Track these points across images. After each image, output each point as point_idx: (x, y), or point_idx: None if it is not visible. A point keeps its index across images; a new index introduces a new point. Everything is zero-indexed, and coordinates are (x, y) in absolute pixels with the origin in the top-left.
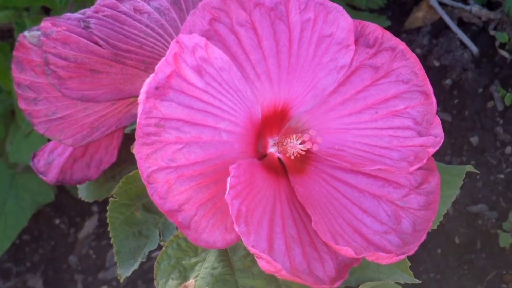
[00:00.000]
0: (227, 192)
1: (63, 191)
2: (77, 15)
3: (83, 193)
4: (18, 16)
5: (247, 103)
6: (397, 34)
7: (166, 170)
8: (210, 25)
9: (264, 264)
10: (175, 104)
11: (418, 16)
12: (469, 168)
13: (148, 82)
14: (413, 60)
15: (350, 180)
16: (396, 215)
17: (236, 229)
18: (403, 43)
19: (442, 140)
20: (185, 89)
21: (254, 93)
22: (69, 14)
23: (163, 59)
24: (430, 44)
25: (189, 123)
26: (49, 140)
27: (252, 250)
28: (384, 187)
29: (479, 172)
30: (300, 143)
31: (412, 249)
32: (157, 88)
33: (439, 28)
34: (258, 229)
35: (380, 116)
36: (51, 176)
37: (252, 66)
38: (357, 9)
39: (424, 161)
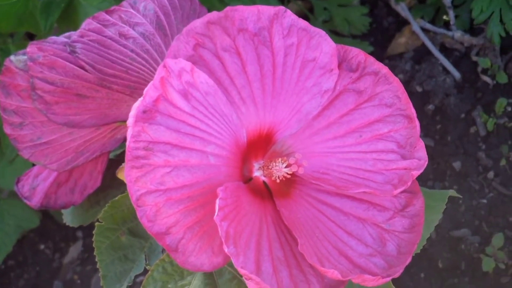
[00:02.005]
0: (216, 213)
1: (48, 217)
2: (62, 38)
3: (68, 218)
4: (3, 42)
5: (232, 127)
6: (379, 59)
7: (155, 193)
8: (194, 50)
9: (253, 285)
10: (163, 127)
11: (401, 42)
12: (452, 192)
13: (137, 106)
14: (396, 84)
15: (335, 203)
16: (381, 238)
17: (226, 250)
18: (386, 67)
19: (426, 163)
20: (172, 113)
21: (239, 117)
22: (54, 38)
23: (150, 83)
24: (412, 69)
25: (177, 146)
26: (33, 165)
27: (242, 271)
28: (369, 210)
29: (461, 196)
30: (286, 167)
31: (398, 272)
32: (144, 112)
33: (421, 54)
34: (245, 251)
35: (364, 139)
36: (35, 201)
37: (237, 90)
38: (340, 35)
39: (409, 184)
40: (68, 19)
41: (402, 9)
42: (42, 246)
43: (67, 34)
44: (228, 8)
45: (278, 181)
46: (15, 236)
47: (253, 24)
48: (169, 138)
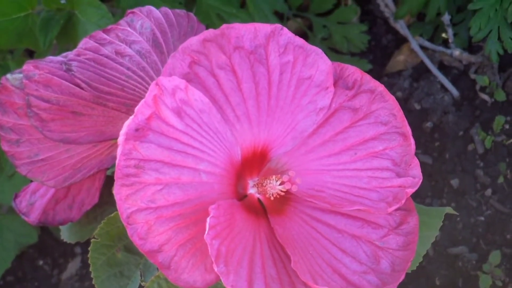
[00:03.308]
0: (206, 232)
1: (46, 232)
2: (59, 58)
3: (65, 234)
4: (2, 58)
5: (226, 145)
6: (378, 77)
7: (145, 211)
8: (190, 68)
9: None
10: (155, 145)
11: (399, 60)
12: (449, 210)
13: (128, 124)
14: (392, 102)
15: (329, 220)
16: (375, 255)
17: (216, 269)
18: (382, 85)
19: (421, 181)
20: (164, 130)
21: (234, 134)
22: (51, 57)
23: (142, 101)
24: (411, 87)
25: (168, 164)
26: (31, 181)
27: None
28: (363, 227)
29: (458, 214)
30: (280, 184)
31: None
32: (136, 129)
33: (420, 72)
34: (238, 269)
35: (359, 157)
36: (33, 217)
37: (232, 108)
38: (339, 53)
39: (403, 201)
40: (67, 35)
41: (401, 27)
42: (41, 262)
43: (64, 54)
44: (224, 25)
45: (272, 198)
46: (14, 252)
47: (249, 42)
48: (161, 156)
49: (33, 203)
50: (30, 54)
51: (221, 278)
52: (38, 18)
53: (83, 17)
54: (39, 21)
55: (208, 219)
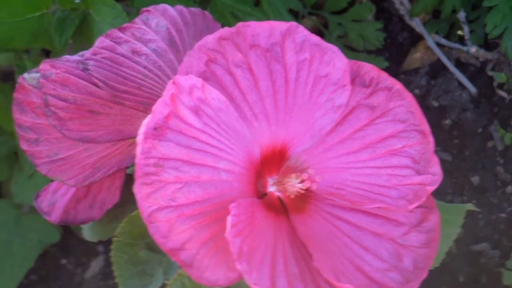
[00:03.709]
0: (227, 230)
1: (69, 232)
2: (75, 57)
3: (87, 233)
4: (19, 58)
5: (245, 143)
6: (395, 75)
7: (166, 209)
8: (206, 66)
9: None
10: (174, 144)
11: (416, 57)
12: (469, 206)
13: (146, 123)
14: (410, 99)
15: (350, 218)
16: (397, 253)
17: (238, 267)
18: (399, 82)
19: (441, 178)
20: (183, 129)
21: (252, 133)
22: (67, 57)
23: (160, 100)
24: (428, 84)
25: (188, 163)
26: (52, 180)
27: None
28: (384, 225)
29: (479, 210)
30: (299, 182)
31: (414, 286)
32: (155, 128)
33: (437, 69)
34: (260, 267)
35: (378, 155)
36: (54, 217)
37: (249, 106)
38: (355, 50)
39: (423, 199)
40: (83, 35)
41: (417, 24)
42: (64, 261)
43: (80, 53)
44: (240, 24)
45: (292, 196)
46: (37, 251)
47: (265, 39)
48: (180, 154)
49: (54, 202)
50: (47, 53)
51: (244, 276)
52: (53, 17)
53: (97, 16)
54: (54, 20)
55: (228, 217)
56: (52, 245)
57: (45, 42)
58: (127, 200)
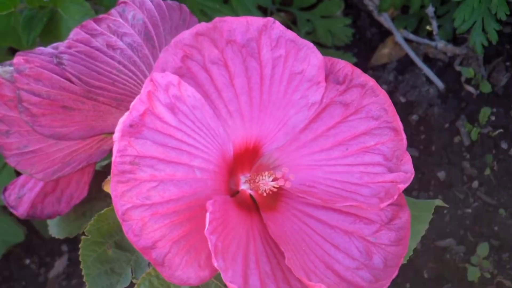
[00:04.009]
0: (206, 227)
1: (33, 231)
2: (49, 49)
3: (54, 230)
4: None
5: (219, 141)
6: (363, 70)
7: (141, 207)
8: (182, 62)
9: None
10: (150, 142)
11: (384, 53)
12: (438, 202)
13: (123, 120)
14: (383, 96)
15: (321, 216)
16: (367, 251)
17: (215, 264)
18: (373, 79)
19: (413, 176)
20: (159, 127)
21: (226, 130)
22: (41, 49)
23: (137, 97)
24: (396, 80)
25: (163, 161)
26: (19, 175)
27: (230, 286)
28: (355, 223)
29: (448, 206)
30: (272, 180)
31: (384, 285)
32: (131, 126)
33: (405, 65)
34: (233, 265)
35: (351, 152)
36: (21, 210)
37: (225, 103)
38: (323, 47)
39: (395, 197)
40: (51, 33)
41: (385, 20)
42: (27, 261)
43: (55, 44)
44: (217, 19)
45: (264, 194)
46: (1, 251)
47: (241, 35)
48: (156, 152)
49: (22, 196)
50: (14, 52)
51: (221, 273)
52: (21, 16)
53: (66, 14)
54: (22, 19)
55: (207, 214)
56: (16, 245)
57: (13, 41)
58: (95, 196)
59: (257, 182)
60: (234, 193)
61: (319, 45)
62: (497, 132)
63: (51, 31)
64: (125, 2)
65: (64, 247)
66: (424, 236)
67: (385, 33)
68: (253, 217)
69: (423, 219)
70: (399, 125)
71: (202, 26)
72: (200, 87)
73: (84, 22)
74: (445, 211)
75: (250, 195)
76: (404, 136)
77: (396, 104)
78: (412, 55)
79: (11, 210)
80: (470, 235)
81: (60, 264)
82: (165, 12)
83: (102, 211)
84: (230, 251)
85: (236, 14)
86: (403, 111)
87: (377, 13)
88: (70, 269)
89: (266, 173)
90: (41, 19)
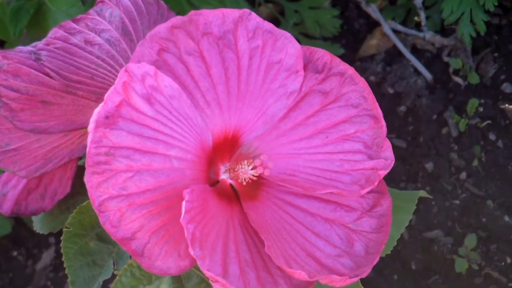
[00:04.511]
0: (182, 215)
1: (20, 224)
2: (29, 48)
3: (38, 225)
4: None
5: (197, 130)
6: (351, 61)
7: (117, 198)
8: (158, 55)
9: None
10: (125, 132)
11: (372, 44)
12: (422, 193)
13: (98, 111)
14: (362, 84)
15: (302, 204)
16: (348, 238)
17: (192, 253)
18: (352, 68)
19: (393, 162)
20: (135, 117)
21: (204, 120)
22: (21, 47)
23: (112, 88)
24: (384, 71)
25: (139, 151)
26: (3, 172)
27: (208, 274)
28: (336, 210)
29: (432, 197)
30: (252, 169)
31: (365, 272)
32: (107, 117)
33: (393, 56)
34: (212, 254)
35: (331, 140)
36: (5, 208)
37: (202, 93)
38: (311, 38)
39: (376, 184)
40: (38, 25)
41: (373, 11)
42: (15, 253)
43: (33, 43)
44: (192, 12)
45: (244, 183)
46: None
47: (217, 27)
48: (131, 142)
49: (6, 193)
50: (1, 44)
51: (197, 261)
52: (8, 7)
53: (53, 6)
54: (9, 10)
55: (183, 203)
56: (3, 237)
57: (0, 33)
58: (78, 191)
59: (237, 171)
60: (215, 182)
61: (307, 36)
62: (485, 123)
63: (38, 22)
64: (102, 1)
65: (52, 239)
66: (411, 227)
67: (373, 24)
68: (233, 207)
69: (407, 210)
70: (379, 112)
71: (178, 19)
72: (177, 78)
73: (62, 23)
74: (433, 202)
75: (231, 184)
76: (383, 123)
77: (384, 95)
78: (400, 46)
79: None
80: (458, 226)
81: (47, 256)
82: (142, 8)
83: (83, 204)
84: (209, 240)
85: (223, 5)
86: (391, 102)
87: (365, 4)
88: (57, 261)
89: (245, 161)
90: (28, 11)
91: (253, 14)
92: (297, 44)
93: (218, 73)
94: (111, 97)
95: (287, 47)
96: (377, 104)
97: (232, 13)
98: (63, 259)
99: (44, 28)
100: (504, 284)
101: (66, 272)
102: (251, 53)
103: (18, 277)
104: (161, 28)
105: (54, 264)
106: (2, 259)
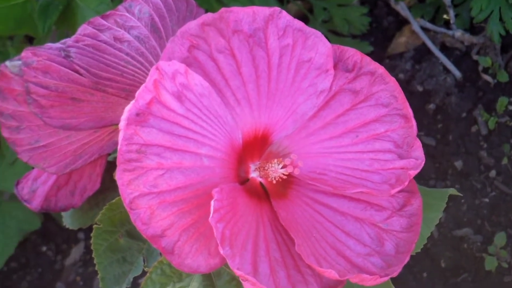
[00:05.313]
0: (211, 215)
1: (50, 219)
2: (58, 45)
3: (68, 220)
4: (2, 45)
5: (227, 129)
6: (380, 59)
7: (148, 196)
8: (189, 52)
9: (250, 286)
10: (156, 130)
11: (401, 42)
12: (452, 191)
13: (129, 109)
14: (393, 83)
15: (332, 203)
16: (379, 238)
17: (221, 252)
18: (382, 67)
19: (423, 162)
20: (165, 115)
21: (234, 118)
22: (50, 44)
23: (143, 86)
24: (413, 69)
25: (170, 149)
26: (33, 168)
27: (238, 273)
28: (366, 209)
29: (462, 195)
30: (282, 168)
31: (396, 271)
32: (137, 114)
33: (422, 53)
34: (242, 252)
35: (361, 139)
36: (35, 204)
37: (232, 92)
38: (340, 35)
39: (406, 183)
40: (66, 21)
41: (402, 9)
42: (44, 248)
43: (63, 40)
44: (223, 9)
45: (274, 182)
46: (17, 239)
47: (248, 25)
48: (162, 140)
49: (35, 189)
50: (30, 40)
51: (227, 260)
52: (37, 4)
53: (82, 2)
54: (38, 7)
55: (212, 202)
56: (33, 232)
57: (29, 29)
58: (108, 187)
59: (267, 170)
60: (244, 181)
61: (336, 34)
62: None
63: (66, 19)
64: None
65: (81, 235)
66: (441, 225)
67: (402, 22)
68: (263, 205)
69: (436, 208)
70: (409, 112)
71: (208, 16)
72: (207, 76)
73: (91, 19)
74: (462, 201)
75: (260, 183)
76: (414, 123)
77: (413, 93)
78: (429, 44)
79: (24, 203)
80: (487, 224)
81: (76, 252)
82: (171, 4)
83: (114, 200)
84: (239, 238)
85: (252, 2)
86: (420, 100)
87: (394, 2)
88: (87, 257)
89: (275, 160)
90: (57, 7)
91: (284, 12)
92: (327, 42)
93: (248, 71)
94: (142, 94)
95: (318, 45)
96: (407, 103)
97: (262, 11)
98: (93, 256)
99: (73, 25)
100: None
101: (96, 268)
102: (281, 51)
103: (48, 272)
104: (192, 25)
105: (83, 260)
106: (31, 254)
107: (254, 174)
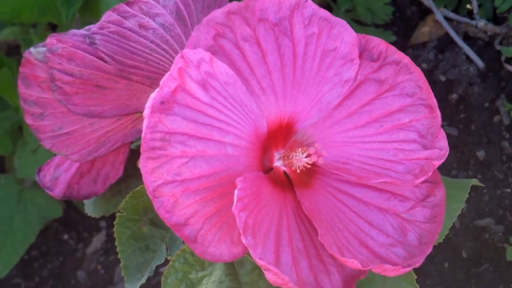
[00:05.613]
0: (234, 204)
1: (71, 207)
2: (82, 31)
3: (90, 208)
4: (25, 32)
5: (252, 117)
6: (403, 49)
7: (171, 184)
8: (214, 40)
9: (272, 276)
10: (180, 118)
11: (424, 31)
12: (474, 182)
13: (153, 97)
14: (417, 73)
15: (356, 193)
16: (402, 228)
17: (244, 241)
18: (407, 57)
19: (447, 153)
20: (190, 103)
21: (259, 107)
22: (74, 31)
23: (168, 74)
24: (436, 59)
25: (194, 137)
26: (55, 155)
27: (260, 262)
28: (390, 200)
29: (484, 186)
30: (306, 157)
31: (418, 262)
32: (162, 102)
33: (445, 43)
34: (265, 242)
35: (385, 129)
36: (57, 191)
37: (257, 80)
38: (363, 24)
39: (430, 174)
40: (90, 9)
41: None
42: (65, 236)
43: (87, 27)
44: None
45: (298, 171)
46: (39, 226)
47: (273, 14)
48: (186, 128)
49: (57, 177)
50: (53, 28)
51: (249, 250)
52: None
53: None
54: None
55: (235, 191)
56: (54, 220)
57: (53, 16)
58: (131, 175)
59: (291, 159)
60: (268, 169)
61: (359, 23)
62: None
63: (90, 6)
64: None
65: (103, 223)
66: (463, 215)
67: (425, 12)
68: (286, 194)
69: (459, 198)
70: (434, 102)
71: (234, 5)
72: (233, 64)
73: (116, 6)
74: (484, 191)
75: (284, 172)
76: (438, 113)
77: (435, 82)
78: (452, 33)
79: (46, 191)
80: (509, 214)
81: (98, 240)
82: None
83: (137, 188)
84: (262, 228)
85: None
86: (443, 89)
87: None
88: (108, 245)
89: (300, 149)
90: None
91: (309, 1)
92: (353, 32)
93: (273, 60)
94: (167, 82)
95: (343, 35)
96: (432, 93)
97: (288, 0)
98: (115, 244)
99: (96, 12)
100: None
101: (118, 256)
102: (307, 40)
103: (69, 260)
104: (218, 13)
105: (105, 248)
106: (53, 242)
107: (278, 163)
